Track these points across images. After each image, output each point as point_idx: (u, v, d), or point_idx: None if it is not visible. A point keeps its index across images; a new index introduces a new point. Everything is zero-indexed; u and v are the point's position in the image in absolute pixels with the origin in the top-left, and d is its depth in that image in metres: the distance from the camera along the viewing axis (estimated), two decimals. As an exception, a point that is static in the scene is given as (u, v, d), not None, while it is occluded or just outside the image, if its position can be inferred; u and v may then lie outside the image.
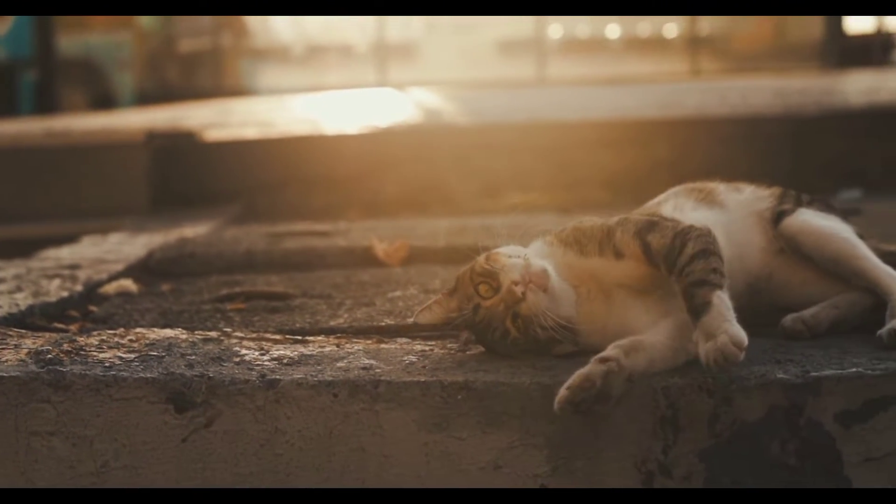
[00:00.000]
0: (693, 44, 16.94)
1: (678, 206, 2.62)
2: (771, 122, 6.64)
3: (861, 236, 2.73)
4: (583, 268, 2.42)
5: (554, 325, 2.32)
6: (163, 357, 2.43)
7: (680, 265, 2.32)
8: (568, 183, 6.46)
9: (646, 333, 2.32)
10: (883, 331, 2.45)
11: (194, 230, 4.99)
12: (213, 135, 6.74)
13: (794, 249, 2.66)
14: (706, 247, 2.35)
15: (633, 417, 2.25)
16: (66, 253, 4.22)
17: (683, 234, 2.38)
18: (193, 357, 2.44)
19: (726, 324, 2.22)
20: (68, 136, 7.28)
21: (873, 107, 7.07)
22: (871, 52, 15.84)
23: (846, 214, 4.57)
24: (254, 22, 18.66)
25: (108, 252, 4.18)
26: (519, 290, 2.30)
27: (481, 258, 2.40)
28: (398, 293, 3.21)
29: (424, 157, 6.61)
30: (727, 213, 2.65)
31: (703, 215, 2.57)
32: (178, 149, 6.50)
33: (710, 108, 7.29)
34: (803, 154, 6.51)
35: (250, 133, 6.94)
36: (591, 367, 2.18)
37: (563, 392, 2.15)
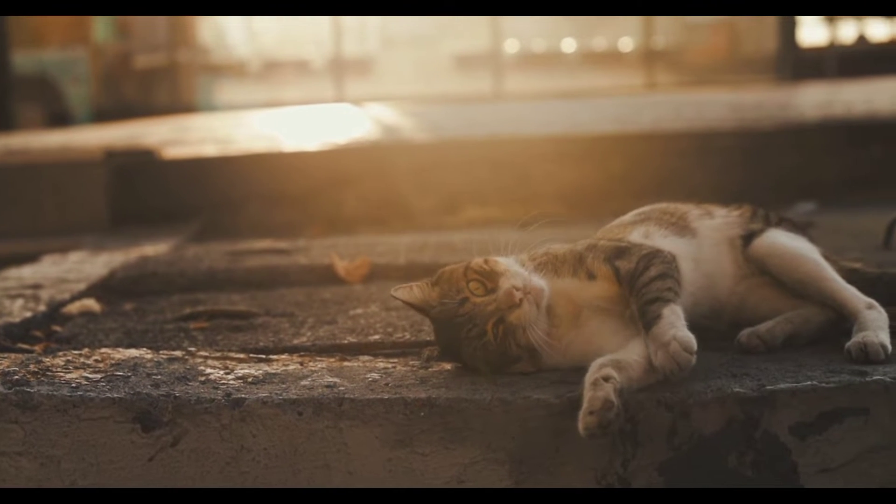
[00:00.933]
0: (648, 57, 17.06)
1: (648, 234, 2.65)
2: (725, 137, 6.72)
3: (826, 257, 2.79)
4: (556, 288, 2.46)
5: (531, 344, 2.36)
6: (129, 377, 2.46)
7: (639, 286, 2.40)
8: (524, 197, 6.51)
9: (618, 353, 2.36)
10: (850, 344, 2.50)
11: (155, 248, 4.99)
12: (172, 152, 6.75)
13: (762, 270, 2.71)
14: (666, 271, 2.43)
15: (594, 432, 2.29)
16: (27, 272, 4.22)
17: (648, 259, 2.45)
18: (159, 377, 2.47)
19: (674, 330, 2.29)
20: (26, 155, 7.26)
21: (827, 120, 7.16)
22: (824, 64, 16.01)
23: (804, 228, 4.68)
24: (210, 37, 18.64)
25: (70, 271, 4.18)
26: (518, 295, 2.34)
27: (479, 259, 2.44)
28: (360, 311, 3.24)
29: (383, 173, 6.65)
30: (698, 240, 2.69)
31: (672, 244, 2.61)
32: (137, 167, 6.50)
33: (665, 123, 7.36)
34: (758, 168, 6.59)
35: (209, 150, 6.95)
36: (601, 388, 2.19)
37: (588, 418, 2.16)
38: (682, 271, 2.50)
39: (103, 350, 2.70)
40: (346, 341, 2.85)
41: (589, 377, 2.24)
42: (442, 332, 2.46)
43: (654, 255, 2.47)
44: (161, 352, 2.71)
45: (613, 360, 2.30)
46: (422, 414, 2.29)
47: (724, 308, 2.70)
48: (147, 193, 6.47)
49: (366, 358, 2.66)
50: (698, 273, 2.60)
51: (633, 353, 2.35)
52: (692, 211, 2.77)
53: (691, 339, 2.28)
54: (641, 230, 2.66)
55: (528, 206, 6.44)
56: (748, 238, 2.72)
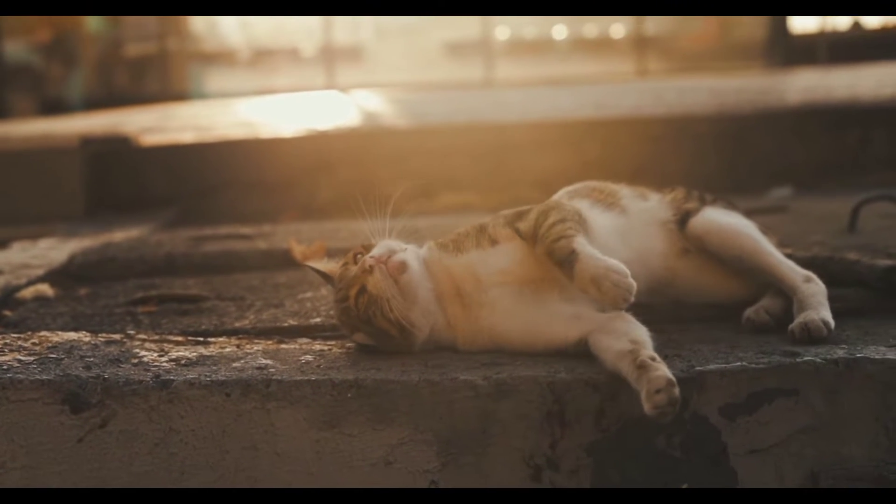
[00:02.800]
0: (639, 44, 17.02)
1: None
2: (703, 122, 6.70)
3: (764, 232, 2.79)
4: (461, 265, 2.47)
5: (392, 319, 2.38)
6: (62, 359, 2.46)
7: (541, 234, 2.41)
8: (501, 184, 6.50)
9: (623, 334, 2.33)
10: (793, 325, 2.51)
11: (126, 235, 5.00)
12: (149, 139, 6.74)
13: (700, 248, 2.72)
14: (564, 216, 2.44)
15: (521, 413, 2.29)
16: (-16, 258, 4.22)
17: (546, 211, 2.47)
18: (92, 359, 2.47)
19: (602, 260, 2.30)
20: (7, 142, 7.26)
21: (806, 106, 7.15)
22: (816, 51, 15.98)
23: (773, 212, 4.68)
24: (201, 26, 18.62)
25: (35, 257, 4.18)
26: (370, 262, 2.39)
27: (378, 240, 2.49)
28: (309, 294, 3.24)
29: (360, 159, 6.64)
30: (627, 217, 2.69)
31: (596, 214, 2.61)
32: (112, 154, 6.50)
33: (644, 108, 7.35)
34: (735, 153, 6.59)
35: (186, 137, 6.94)
36: (657, 368, 2.18)
37: (657, 397, 2.13)
38: (605, 240, 2.51)
39: (42, 333, 2.71)
40: (286, 324, 2.85)
41: (626, 360, 2.23)
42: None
43: (552, 208, 2.49)
44: (100, 335, 2.71)
45: (633, 340, 2.29)
46: (349, 395, 2.29)
47: (662, 285, 2.70)
48: (123, 181, 6.47)
49: (304, 340, 2.67)
50: (627, 247, 2.59)
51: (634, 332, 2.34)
52: (623, 190, 2.78)
53: (621, 264, 2.30)
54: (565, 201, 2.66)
55: (504, 191, 6.44)
56: (684, 219, 2.73)
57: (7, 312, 3.21)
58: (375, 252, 2.42)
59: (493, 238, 2.49)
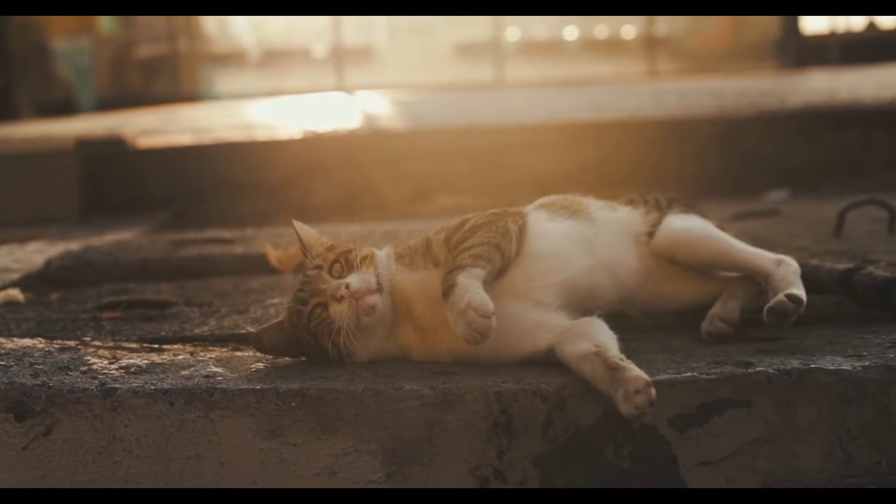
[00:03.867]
0: (650, 45, 16.95)
1: (536, 219, 2.62)
2: (701, 124, 6.69)
3: (720, 227, 2.77)
4: (412, 283, 2.44)
5: (339, 346, 2.34)
6: (10, 367, 2.45)
7: (451, 257, 2.39)
8: (498, 186, 6.50)
9: (589, 337, 2.33)
10: (764, 313, 2.50)
11: (117, 237, 5.00)
12: (145, 142, 6.74)
13: (669, 260, 2.69)
14: (485, 239, 2.40)
15: (467, 423, 2.27)
16: (-34, 262, 4.22)
17: (474, 230, 2.44)
18: (41, 366, 2.46)
19: (468, 295, 2.25)
20: (6, 144, 7.28)
21: (807, 108, 7.12)
22: (828, 52, 15.89)
23: (765, 215, 4.65)
24: (212, 27, 18.65)
25: (17, 261, 4.18)
26: (343, 292, 2.33)
27: (365, 251, 2.44)
28: (277, 300, 3.22)
29: (356, 161, 6.65)
30: (594, 227, 2.65)
31: (557, 224, 2.59)
32: (108, 156, 6.51)
33: (644, 111, 7.32)
34: (732, 155, 6.57)
35: (182, 140, 6.95)
36: (630, 369, 2.17)
37: (637, 398, 2.13)
38: (559, 247, 2.51)
39: (-2, 340, 2.70)
40: (244, 331, 2.83)
41: (591, 362, 2.22)
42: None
43: (484, 224, 2.46)
44: (55, 341, 2.70)
45: (597, 343, 2.28)
46: (293, 404, 2.27)
47: (634, 298, 2.68)
48: (118, 183, 6.48)
49: (260, 348, 2.63)
50: (590, 256, 2.58)
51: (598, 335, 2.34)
52: (593, 203, 2.74)
53: (486, 301, 2.24)
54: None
55: (500, 194, 6.43)
56: (652, 233, 2.70)
57: (-30, 317, 3.20)
58: (354, 283, 2.34)
59: (436, 259, 2.45)
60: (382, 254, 2.48)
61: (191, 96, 15.60)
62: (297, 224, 2.53)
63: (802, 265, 2.86)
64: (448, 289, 2.30)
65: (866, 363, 2.34)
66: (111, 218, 6.15)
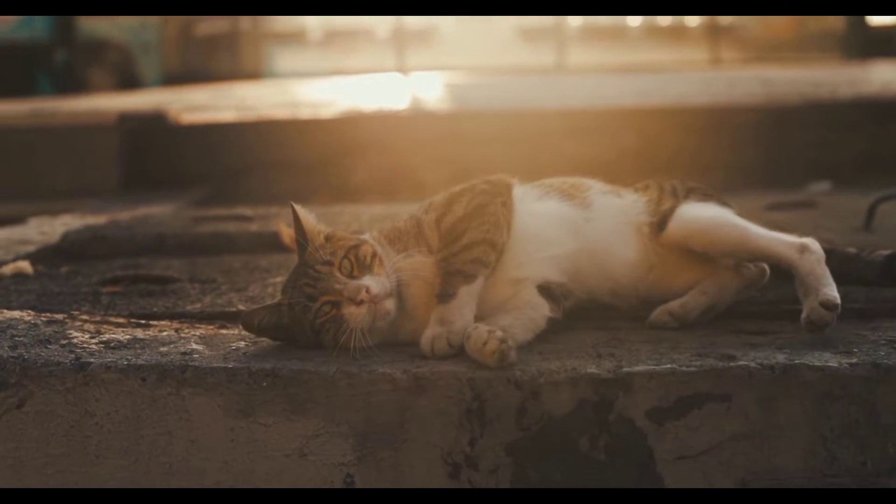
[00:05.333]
0: (713, 33, 16.77)
1: (523, 197, 2.59)
2: (744, 113, 6.56)
3: (740, 216, 2.70)
4: (409, 266, 2.41)
5: (344, 345, 2.30)
6: (-10, 339, 2.46)
7: (447, 253, 2.37)
8: (538, 170, 6.36)
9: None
10: (801, 318, 2.43)
11: (148, 212, 5.01)
12: (186, 118, 6.76)
13: (685, 249, 2.61)
14: (480, 237, 2.38)
15: (439, 409, 2.24)
16: (-1, 234, 4.26)
17: (468, 219, 2.41)
18: (22, 339, 2.47)
19: (455, 317, 2.30)
20: (47, 118, 7.34)
21: (857, 99, 6.96)
22: (894, 43, 15.63)
23: (801, 206, 4.57)
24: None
25: (42, 233, 4.20)
26: (363, 297, 2.29)
27: (369, 248, 2.40)
28: (279, 279, 3.20)
29: (396, 142, 6.60)
30: (588, 212, 2.60)
31: (546, 206, 2.56)
32: (148, 132, 6.52)
33: (689, 98, 7.22)
34: (776, 145, 6.44)
35: (224, 116, 6.95)
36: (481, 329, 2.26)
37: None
38: (541, 229, 2.50)
39: (-13, 311, 2.71)
40: (234, 309, 2.81)
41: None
42: (293, 275, 2.43)
43: (477, 212, 2.43)
44: (44, 314, 2.71)
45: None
46: (264, 384, 2.26)
47: (628, 290, 2.62)
48: (158, 158, 6.49)
49: (246, 326, 2.62)
50: (577, 241, 2.54)
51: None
52: (596, 186, 2.69)
53: (461, 334, 2.28)
54: (519, 191, 2.61)
55: (538, 178, 6.37)
56: (662, 222, 2.62)
57: (-23, 289, 3.22)
58: (374, 288, 2.30)
59: (429, 245, 2.43)
60: (372, 241, 2.45)
61: (251, 74, 15.69)
62: (298, 208, 2.48)
63: (840, 253, 2.79)
64: (448, 296, 2.31)
65: (854, 360, 2.28)
66: (150, 193, 6.16)
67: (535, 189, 2.65)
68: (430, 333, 2.29)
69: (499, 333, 2.24)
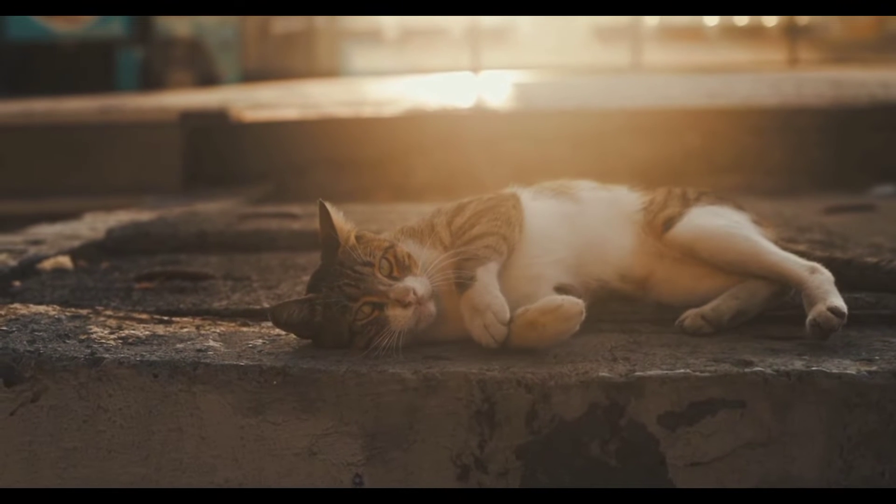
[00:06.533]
0: (791, 33, 16.54)
1: (525, 201, 2.59)
2: (810, 114, 6.48)
3: (756, 222, 2.66)
4: (426, 260, 2.41)
5: (384, 346, 2.29)
6: (11, 332, 2.48)
7: (460, 243, 2.37)
8: (599, 171, 6.32)
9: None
10: (807, 322, 2.39)
11: (205, 208, 5.05)
12: (247, 115, 6.81)
13: (690, 256, 2.59)
14: (491, 228, 2.39)
15: (449, 410, 2.22)
16: (50, 229, 4.30)
17: (479, 215, 2.43)
18: (42, 333, 2.49)
19: (489, 297, 2.26)
20: (120, 114, 7.44)
21: (928, 101, 6.85)
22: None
23: (859, 210, 4.49)
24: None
25: (93, 229, 4.24)
26: (412, 298, 2.27)
27: (404, 248, 2.39)
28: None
29: (457, 141, 6.61)
30: (579, 205, 2.63)
31: (541, 204, 2.56)
32: (209, 129, 6.59)
33: (755, 98, 7.13)
34: (842, 147, 6.36)
35: (286, 114, 6.99)
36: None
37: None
38: (547, 225, 2.51)
39: (14, 305, 2.75)
40: (259, 307, 2.81)
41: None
42: (325, 273, 2.40)
43: (487, 210, 2.44)
44: (69, 309, 2.73)
45: None
46: (275, 382, 2.25)
47: (635, 282, 2.61)
48: (220, 155, 6.56)
49: (267, 324, 2.62)
50: (577, 233, 2.56)
51: None
52: (583, 183, 2.74)
53: (505, 308, 2.26)
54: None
55: (601, 179, 6.32)
56: (667, 223, 2.61)
57: (16, 283, 3.25)
58: (419, 289, 2.29)
59: (443, 243, 2.43)
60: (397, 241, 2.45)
61: (327, 72, 15.76)
62: (327, 205, 2.45)
63: (858, 264, 2.74)
64: (467, 280, 2.29)
65: (874, 368, 2.23)
66: (211, 189, 6.23)
67: (529, 191, 2.64)
68: (478, 324, 2.27)
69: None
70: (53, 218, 4.73)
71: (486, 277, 2.29)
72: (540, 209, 2.54)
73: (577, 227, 2.55)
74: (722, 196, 2.75)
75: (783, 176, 6.12)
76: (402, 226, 2.53)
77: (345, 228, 2.44)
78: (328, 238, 2.41)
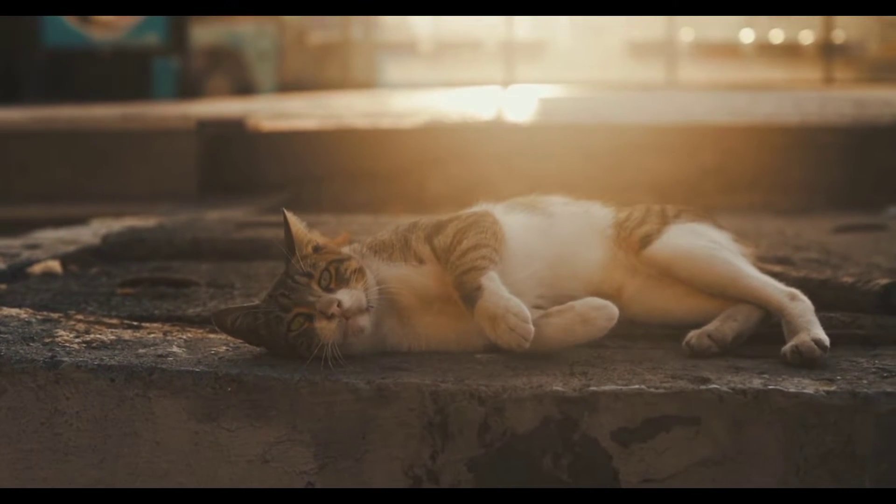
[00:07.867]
0: (827, 51, 16.43)
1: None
2: (829, 133, 6.43)
3: (736, 241, 2.65)
4: (393, 276, 2.41)
5: (316, 356, 2.29)
6: (-24, 335, 2.50)
7: (453, 259, 2.35)
8: (614, 186, 6.33)
9: None
10: (785, 348, 2.38)
11: (211, 216, 5.07)
12: (264, 125, 6.83)
13: (667, 276, 2.58)
14: (480, 241, 2.38)
15: (402, 421, 2.22)
16: (51, 233, 4.34)
17: (463, 232, 2.40)
18: (8, 336, 2.51)
19: (504, 301, 2.25)
20: (140, 122, 7.49)
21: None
22: None
23: (869, 229, 4.45)
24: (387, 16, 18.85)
25: (95, 234, 4.27)
26: (334, 310, 2.27)
27: (356, 262, 2.38)
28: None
29: (473, 154, 6.60)
30: (551, 219, 2.61)
31: (514, 218, 2.55)
32: (226, 138, 6.61)
33: (777, 116, 7.09)
34: (860, 166, 6.30)
35: (303, 124, 7.02)
36: None
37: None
38: (525, 241, 2.49)
39: (-13, 308, 2.77)
40: (230, 314, 2.81)
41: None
42: (275, 282, 2.41)
43: (470, 226, 2.43)
44: (41, 313, 2.75)
45: None
46: (229, 389, 2.26)
47: (606, 294, 2.58)
48: (236, 164, 6.58)
49: (236, 332, 2.62)
50: (549, 245, 2.55)
51: None
52: (554, 198, 2.72)
53: (523, 306, 2.25)
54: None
55: (616, 195, 6.29)
56: (644, 241, 2.60)
57: (2, 286, 3.27)
58: (346, 302, 2.28)
59: (419, 256, 2.42)
60: (355, 253, 2.45)
61: (362, 83, 15.80)
62: (289, 215, 2.46)
63: (834, 284, 2.72)
64: (473, 292, 2.29)
65: (833, 388, 2.20)
66: (226, 198, 6.25)
67: (500, 207, 2.64)
68: (502, 329, 2.26)
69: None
70: (68, 224, 4.77)
71: (492, 285, 2.29)
72: (513, 224, 2.53)
73: (548, 242, 2.54)
74: (701, 214, 2.72)
75: (800, 194, 6.07)
76: (372, 239, 2.52)
77: (305, 239, 2.44)
78: (288, 247, 2.42)
